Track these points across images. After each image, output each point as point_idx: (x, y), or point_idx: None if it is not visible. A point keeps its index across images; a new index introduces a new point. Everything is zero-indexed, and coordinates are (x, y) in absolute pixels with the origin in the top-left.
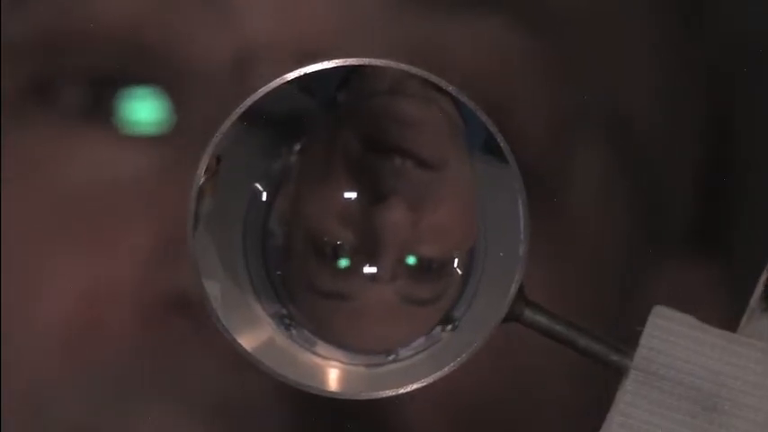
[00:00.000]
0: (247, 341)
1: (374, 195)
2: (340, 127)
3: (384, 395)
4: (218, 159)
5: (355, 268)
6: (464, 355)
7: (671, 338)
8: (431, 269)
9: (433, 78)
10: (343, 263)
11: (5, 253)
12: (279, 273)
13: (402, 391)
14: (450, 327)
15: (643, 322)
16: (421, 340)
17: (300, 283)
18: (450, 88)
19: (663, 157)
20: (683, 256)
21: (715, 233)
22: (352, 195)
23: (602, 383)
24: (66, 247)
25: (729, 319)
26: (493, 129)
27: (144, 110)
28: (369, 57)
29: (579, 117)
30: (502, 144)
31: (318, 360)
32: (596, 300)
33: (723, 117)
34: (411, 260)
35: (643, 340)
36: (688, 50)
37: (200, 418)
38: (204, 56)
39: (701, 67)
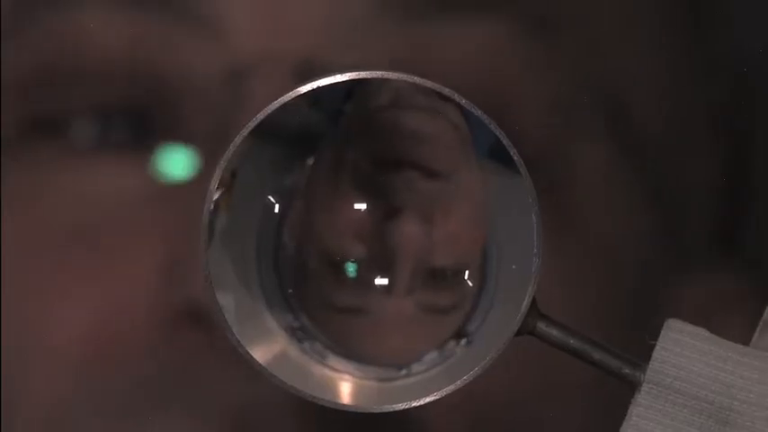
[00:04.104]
0: (260, 354)
1: (385, 210)
2: (348, 141)
3: (397, 408)
4: (232, 174)
5: (371, 283)
6: (477, 369)
7: (684, 352)
8: (445, 277)
9: (446, 91)
10: (359, 278)
11: (19, 277)
12: (291, 290)
13: (414, 404)
14: (463, 341)
15: (657, 334)
16: (434, 354)
17: (316, 299)
18: (464, 101)
19: (676, 161)
20: (700, 266)
21: (733, 240)
22: (363, 210)
23: (615, 396)
24: (78, 269)
25: (749, 331)
26: (506, 142)
27: (175, 165)
28: (365, 66)
29: (584, 119)
30: (515, 158)
31: (331, 373)
32: (612, 310)
33: (738, 119)
34: (426, 271)
35: (656, 354)
36: (698, 50)
37: (216, 429)
38: (200, 74)
39: (710, 66)
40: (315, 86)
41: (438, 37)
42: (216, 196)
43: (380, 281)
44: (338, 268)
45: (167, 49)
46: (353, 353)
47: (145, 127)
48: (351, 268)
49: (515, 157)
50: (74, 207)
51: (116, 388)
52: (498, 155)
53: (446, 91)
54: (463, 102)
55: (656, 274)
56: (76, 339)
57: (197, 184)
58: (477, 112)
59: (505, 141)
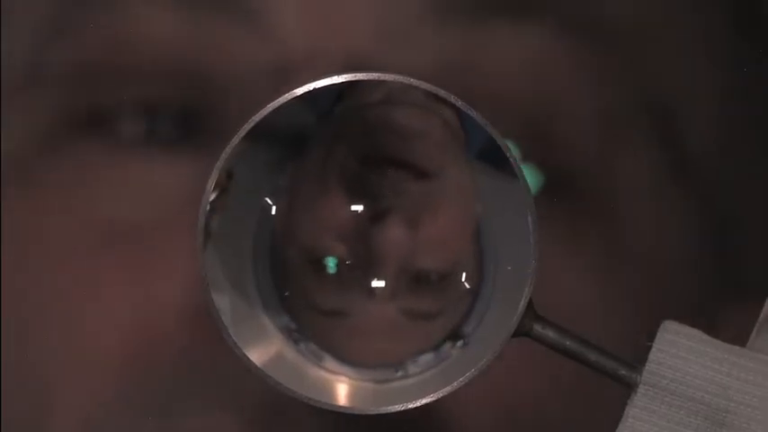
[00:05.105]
0: (256, 355)
1: (372, 211)
2: (338, 138)
3: (393, 410)
4: (229, 176)
5: (355, 285)
6: (473, 370)
7: (680, 353)
8: (431, 281)
9: (442, 93)
10: (342, 280)
11: (52, 278)
12: (287, 292)
13: (410, 406)
14: (459, 343)
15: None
16: (430, 357)
17: (302, 301)
18: (459, 103)
19: (721, 171)
20: (744, 284)
21: None
22: (349, 211)
23: (611, 398)
24: (111, 269)
25: None
26: (502, 144)
27: None
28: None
29: (632, 126)
30: (512, 160)
31: (327, 375)
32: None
33: None
34: (411, 274)
35: (652, 355)
36: (750, 60)
37: (247, 425)
38: (248, 70)
39: (758, 72)
40: (311, 88)
41: (487, 37)
42: (212, 198)
43: (366, 284)
44: (321, 269)
45: (215, 46)
46: (343, 355)
47: (191, 124)
48: (335, 270)
49: (511, 159)
50: (117, 204)
51: (154, 387)
52: (496, 156)
53: (442, 93)
54: (459, 103)
55: (701, 291)
56: (115, 339)
57: None
58: (474, 114)
59: (501, 143)
